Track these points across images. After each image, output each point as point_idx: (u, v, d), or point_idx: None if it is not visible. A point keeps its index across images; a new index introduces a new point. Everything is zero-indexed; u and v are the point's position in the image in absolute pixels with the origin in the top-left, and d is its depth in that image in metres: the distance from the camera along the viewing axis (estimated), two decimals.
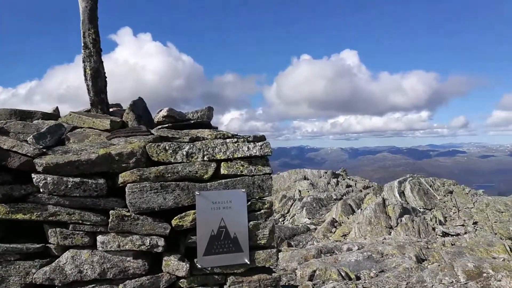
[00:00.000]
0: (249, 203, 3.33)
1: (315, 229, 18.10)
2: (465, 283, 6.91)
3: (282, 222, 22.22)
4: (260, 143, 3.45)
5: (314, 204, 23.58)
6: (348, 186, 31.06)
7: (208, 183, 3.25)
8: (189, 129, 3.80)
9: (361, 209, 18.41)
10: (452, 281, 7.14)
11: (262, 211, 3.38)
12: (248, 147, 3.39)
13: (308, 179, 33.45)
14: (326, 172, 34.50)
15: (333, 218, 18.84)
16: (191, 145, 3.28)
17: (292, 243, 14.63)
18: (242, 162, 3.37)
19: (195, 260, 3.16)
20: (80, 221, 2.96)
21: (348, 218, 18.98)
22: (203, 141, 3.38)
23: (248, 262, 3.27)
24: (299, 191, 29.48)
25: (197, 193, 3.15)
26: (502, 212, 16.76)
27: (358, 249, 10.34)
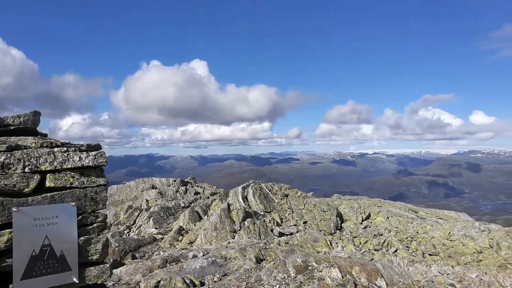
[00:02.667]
0: (80, 217, 3.09)
1: (162, 238, 17.81)
2: (294, 277, 7.80)
3: (127, 234, 21.13)
4: (94, 153, 3.25)
5: (162, 213, 23.17)
6: (196, 193, 31.53)
7: (30, 198, 2.89)
8: (8, 136, 3.31)
9: (208, 215, 18.92)
10: (284, 277, 7.96)
11: (95, 225, 3.18)
12: (80, 157, 3.15)
13: (156, 188, 32.68)
14: (175, 180, 34.32)
15: (180, 226, 18.85)
16: (8, 155, 2.87)
17: (137, 255, 14.06)
18: (72, 173, 3.11)
19: (10, 286, 2.77)
20: None
21: (195, 225, 19.24)
22: (25, 150, 3.00)
23: (77, 281, 3.03)
24: (147, 200, 28.54)
25: (14, 209, 2.77)
26: (325, 211, 19.49)
27: (203, 255, 10.60)
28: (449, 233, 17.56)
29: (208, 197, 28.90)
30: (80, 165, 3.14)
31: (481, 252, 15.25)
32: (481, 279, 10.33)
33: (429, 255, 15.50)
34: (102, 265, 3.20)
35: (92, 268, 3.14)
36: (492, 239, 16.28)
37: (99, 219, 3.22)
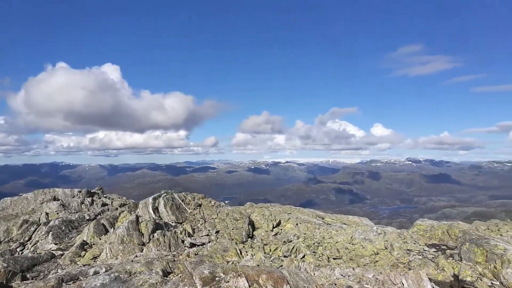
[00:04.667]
0: None
1: (62, 254, 16.35)
2: None
3: (20, 252, 19.00)
4: None
5: (63, 227, 21.35)
6: (104, 205, 29.68)
7: None
8: None
9: (114, 228, 17.87)
10: None
11: None
12: None
13: (58, 200, 30.10)
14: (80, 191, 31.94)
15: (84, 241, 17.51)
16: None
17: (29, 276, 12.65)
18: None
19: None
20: None
21: (100, 239, 18.04)
22: None
23: None
24: (47, 213, 26.06)
25: None
26: (238, 220, 19.68)
27: (106, 271, 9.92)
28: (352, 237, 18.87)
29: (117, 209, 27.38)
30: None
31: (378, 254, 16.62)
32: (377, 279, 11.21)
33: (334, 259, 16.45)
34: None
35: None
36: (387, 241, 17.87)
37: None
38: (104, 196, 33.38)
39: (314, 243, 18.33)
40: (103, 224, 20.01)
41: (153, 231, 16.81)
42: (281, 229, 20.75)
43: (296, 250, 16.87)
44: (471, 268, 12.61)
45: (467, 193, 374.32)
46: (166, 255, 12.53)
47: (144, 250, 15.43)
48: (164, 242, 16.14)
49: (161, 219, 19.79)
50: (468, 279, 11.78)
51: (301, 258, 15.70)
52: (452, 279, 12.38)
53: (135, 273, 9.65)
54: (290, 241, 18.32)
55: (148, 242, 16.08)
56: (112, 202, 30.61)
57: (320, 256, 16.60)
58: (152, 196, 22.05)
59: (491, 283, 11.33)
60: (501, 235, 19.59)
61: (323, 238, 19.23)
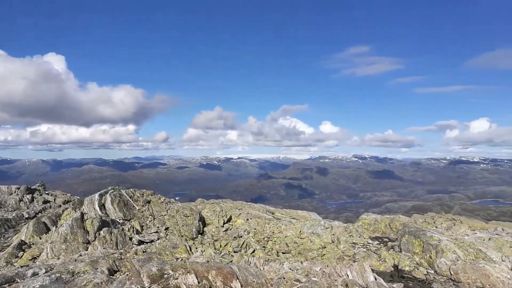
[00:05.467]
0: None
1: None
2: (149, 287, 7.52)
3: None
4: None
5: None
6: (45, 202, 28.07)
7: None
8: None
9: (57, 226, 16.98)
10: (138, 287, 7.61)
11: None
12: None
13: None
14: (19, 188, 29.92)
15: (22, 241, 16.47)
16: None
17: None
18: None
19: None
20: None
21: (40, 238, 17.09)
22: None
23: None
24: None
25: None
26: (188, 216, 19.47)
27: (46, 272, 9.39)
28: (300, 231, 19.36)
29: (60, 206, 26.07)
30: None
31: (325, 247, 17.21)
32: (323, 271, 11.60)
33: (283, 253, 16.80)
34: None
35: None
36: (334, 234, 18.54)
37: None
38: (46, 192, 31.57)
39: (264, 238, 18.60)
40: (44, 222, 18.95)
41: (99, 229, 16.17)
42: (232, 225, 20.82)
43: (246, 245, 17.02)
44: (409, 258, 13.43)
45: (407, 188, 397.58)
46: (112, 253, 12.11)
47: (89, 249, 14.81)
48: (111, 239, 15.59)
49: (108, 216, 19.08)
50: (407, 268, 12.54)
51: (251, 253, 15.86)
52: (393, 269, 13.12)
53: (78, 273, 9.25)
54: (241, 237, 18.45)
55: (93, 240, 15.45)
56: (55, 199, 29.02)
57: (269, 251, 16.87)
58: (99, 193, 21.17)
59: (427, 271, 12.14)
60: (436, 227, 21.01)
61: (273, 233, 19.57)
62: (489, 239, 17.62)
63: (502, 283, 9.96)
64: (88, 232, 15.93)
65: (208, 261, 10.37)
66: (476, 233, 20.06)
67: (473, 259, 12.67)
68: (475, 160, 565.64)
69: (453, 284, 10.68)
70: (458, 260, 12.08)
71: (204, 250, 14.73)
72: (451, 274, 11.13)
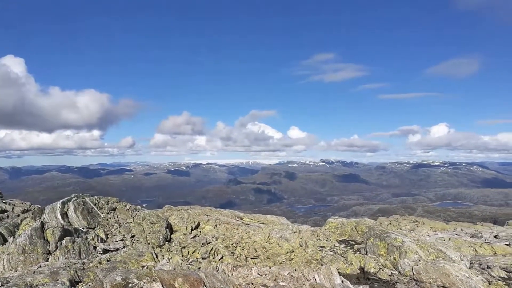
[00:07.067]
0: None
1: None
2: None
3: None
4: None
5: None
6: (3, 211, 26.61)
7: None
8: None
9: (14, 237, 16.16)
10: None
11: None
12: None
13: None
14: None
15: None
16: None
17: None
18: None
19: None
20: None
21: None
22: None
23: None
24: None
25: None
26: (155, 224, 19.08)
27: (2, 285, 8.92)
28: (269, 236, 19.40)
29: (19, 215, 24.78)
30: None
31: (293, 251, 17.33)
32: (292, 276, 11.67)
33: (251, 258, 16.76)
34: None
35: None
36: (302, 238, 18.71)
37: None
38: (4, 201, 29.99)
39: (232, 244, 18.50)
40: (0, 233, 17.97)
41: (61, 238, 15.52)
42: (200, 231, 20.58)
43: (215, 251, 16.87)
44: (374, 260, 13.75)
45: (373, 191, 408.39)
46: (75, 263, 11.65)
47: (49, 260, 14.18)
48: (74, 249, 15.01)
49: (71, 225, 18.37)
50: (372, 270, 12.83)
51: (219, 259, 15.73)
52: (359, 271, 13.39)
53: (37, 285, 8.84)
54: (209, 243, 18.27)
55: (54, 250, 14.81)
56: (13, 208, 27.57)
57: (238, 256, 16.80)
58: (61, 200, 20.36)
59: (391, 272, 12.47)
60: (400, 228, 21.66)
61: (242, 238, 19.50)
62: (449, 239, 18.37)
63: (461, 281, 10.38)
64: (49, 242, 15.25)
65: (175, 269, 10.19)
66: (437, 234, 20.88)
67: (434, 259, 13.14)
68: (436, 163, 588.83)
69: (416, 284, 11.02)
70: (420, 261, 12.48)
71: (171, 258, 14.46)
72: (413, 274, 11.48)
